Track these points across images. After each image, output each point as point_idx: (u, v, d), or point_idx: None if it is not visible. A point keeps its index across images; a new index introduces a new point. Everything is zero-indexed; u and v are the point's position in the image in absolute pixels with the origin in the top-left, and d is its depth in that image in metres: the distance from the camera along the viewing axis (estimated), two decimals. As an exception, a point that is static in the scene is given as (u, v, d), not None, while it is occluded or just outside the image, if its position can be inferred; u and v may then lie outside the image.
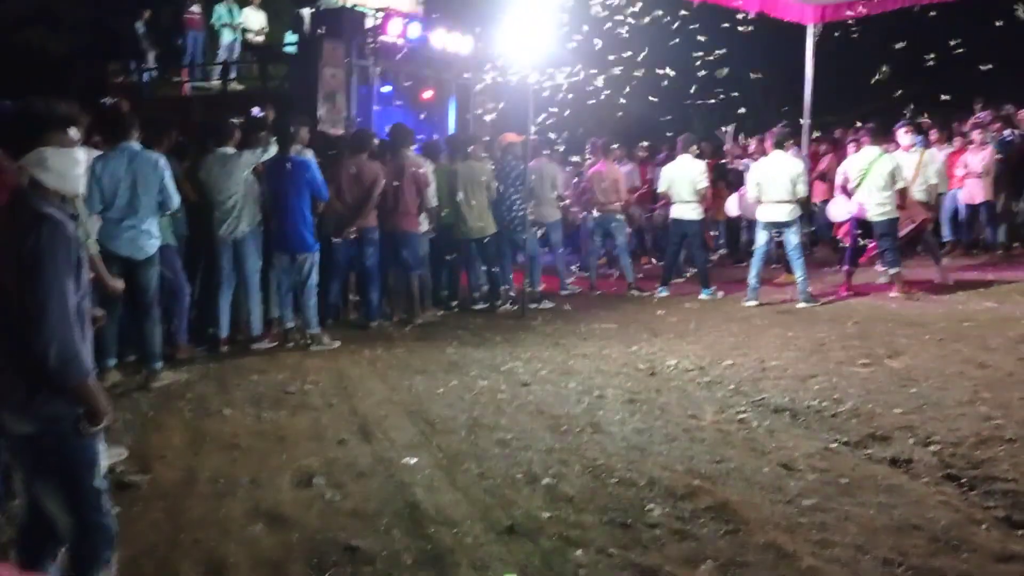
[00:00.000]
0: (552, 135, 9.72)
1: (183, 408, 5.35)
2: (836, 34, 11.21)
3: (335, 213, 7.51)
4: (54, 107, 2.47)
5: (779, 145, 8.52)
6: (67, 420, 2.49)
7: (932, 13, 9.72)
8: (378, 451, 4.46)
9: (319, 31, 11.25)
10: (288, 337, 7.12)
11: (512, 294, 8.85)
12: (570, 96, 9.12)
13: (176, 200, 5.98)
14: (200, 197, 6.80)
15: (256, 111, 8.77)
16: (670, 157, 10.23)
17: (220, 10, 14.33)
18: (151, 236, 5.83)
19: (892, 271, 8.45)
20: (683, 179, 9.12)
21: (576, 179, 11.10)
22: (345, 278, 8.07)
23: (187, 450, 4.59)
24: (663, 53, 9.63)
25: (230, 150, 6.82)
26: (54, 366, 2.38)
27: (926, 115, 11.48)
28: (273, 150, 6.92)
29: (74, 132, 2.52)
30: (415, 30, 11.98)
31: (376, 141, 8.35)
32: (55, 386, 2.44)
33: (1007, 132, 10.62)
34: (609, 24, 8.65)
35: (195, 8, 14.40)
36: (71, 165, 2.51)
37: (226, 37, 14.26)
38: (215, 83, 13.70)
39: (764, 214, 8.53)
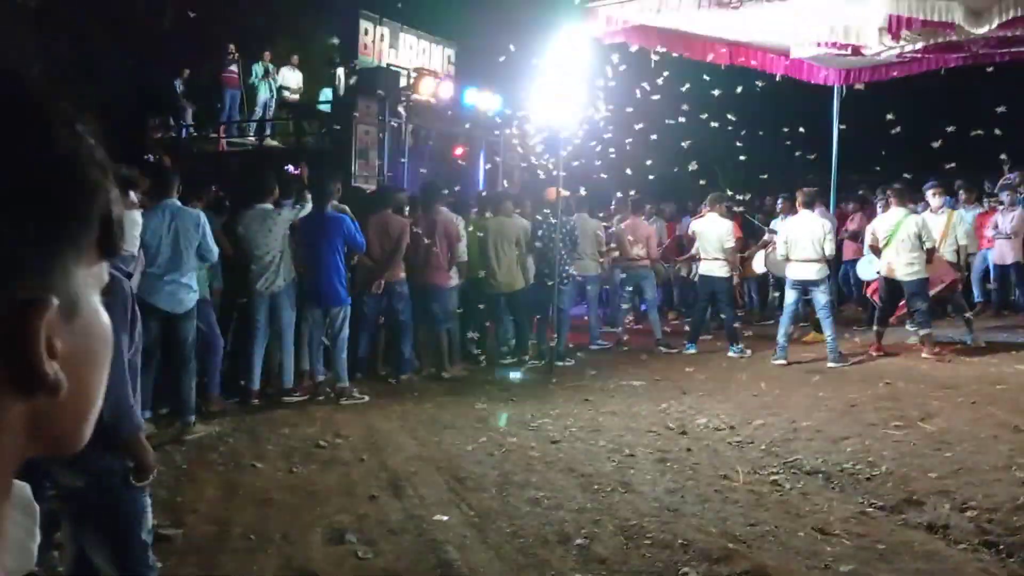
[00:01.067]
0: (583, 191, 9.84)
1: (216, 461, 5.40)
2: (862, 92, 11.33)
3: (364, 267, 7.63)
4: (117, 170, 2.57)
5: (808, 204, 8.57)
6: (117, 474, 2.54)
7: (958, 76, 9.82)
8: (409, 508, 4.47)
9: (354, 90, 11.52)
10: (319, 390, 7.17)
11: (543, 347, 8.87)
12: (598, 152, 9.28)
13: (215, 254, 6.12)
14: (236, 251, 6.94)
15: (291, 168, 8.97)
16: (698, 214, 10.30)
17: (256, 68, 14.76)
18: (191, 290, 5.94)
19: (923, 332, 8.38)
20: (711, 236, 9.18)
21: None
22: (375, 332, 8.14)
23: (220, 504, 4.62)
24: (691, 111, 9.80)
25: (269, 206, 6.97)
26: (108, 420, 2.44)
27: (956, 177, 11.51)
28: (309, 206, 7.06)
29: (134, 195, 2.62)
30: (447, 89, 12.27)
31: (407, 197, 8.51)
32: (108, 440, 2.49)
33: (1036, 193, 10.61)
34: (639, 84, 8.82)
35: (233, 68, 14.83)
36: (130, 226, 2.60)
37: (262, 94, 14.66)
38: (251, 139, 14.03)
39: (792, 272, 8.55)
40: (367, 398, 7.04)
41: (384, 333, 8.19)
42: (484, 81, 13.08)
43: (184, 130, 14.29)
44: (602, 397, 7.13)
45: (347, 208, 7.53)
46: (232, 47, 14.65)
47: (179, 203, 6.00)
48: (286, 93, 14.90)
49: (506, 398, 7.14)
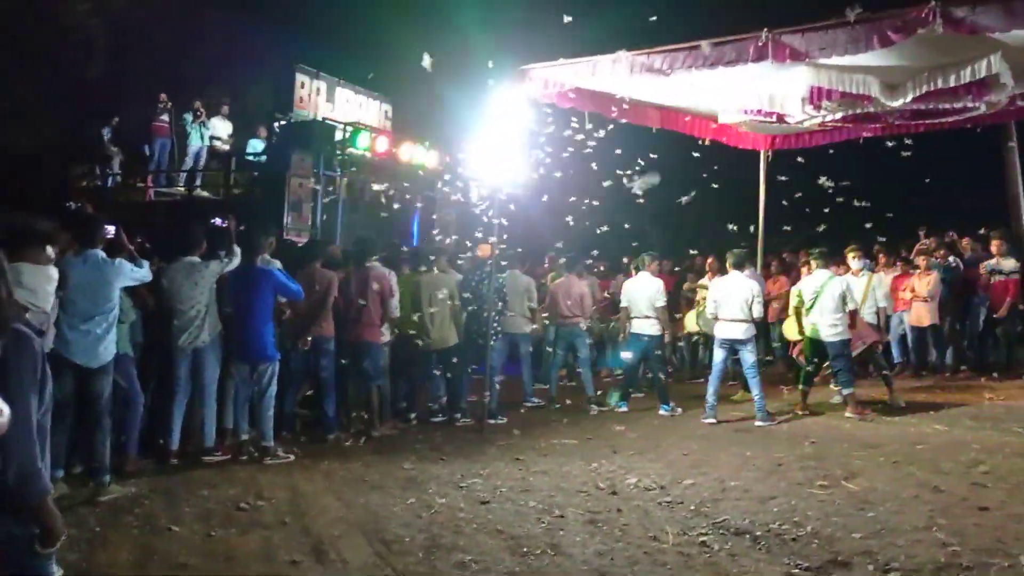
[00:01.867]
0: (520, 250, 9.93)
1: (130, 524, 5.18)
2: (786, 158, 11.76)
3: (290, 322, 7.51)
4: (34, 225, 2.50)
5: (738, 266, 8.79)
6: (22, 541, 2.41)
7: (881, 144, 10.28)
8: (331, 573, 4.35)
9: (288, 142, 11.51)
10: (241, 449, 6.96)
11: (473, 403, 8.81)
12: (530, 210, 9.40)
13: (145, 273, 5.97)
14: (158, 305, 6.76)
15: (219, 221, 8.86)
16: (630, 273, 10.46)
17: (188, 117, 14.61)
18: (109, 344, 5.76)
19: (846, 391, 8.61)
20: (642, 295, 9.31)
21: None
22: (300, 389, 7.99)
23: (133, 570, 4.43)
24: (624, 171, 10.02)
25: (196, 259, 6.83)
26: (14, 483, 2.33)
27: (878, 241, 11.97)
28: (237, 259, 6.94)
29: (51, 250, 2.55)
30: (383, 143, 12.33)
31: (338, 250, 8.46)
32: (12, 504, 2.37)
33: (951, 259, 11.06)
34: (571, 147, 8.99)
35: (164, 116, 14.62)
36: (44, 281, 2.52)
37: (194, 143, 14.48)
38: (179, 189, 13.82)
39: (721, 332, 8.72)
40: (292, 457, 6.88)
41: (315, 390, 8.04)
42: (421, 136, 13.21)
43: (110, 179, 14.01)
44: (533, 456, 7.09)
45: (278, 262, 7.44)
46: (164, 96, 14.47)
47: (102, 254, 5.85)
48: (216, 143, 14.75)
49: (436, 457, 7.05)
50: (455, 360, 8.76)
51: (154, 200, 13.53)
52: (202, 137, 14.54)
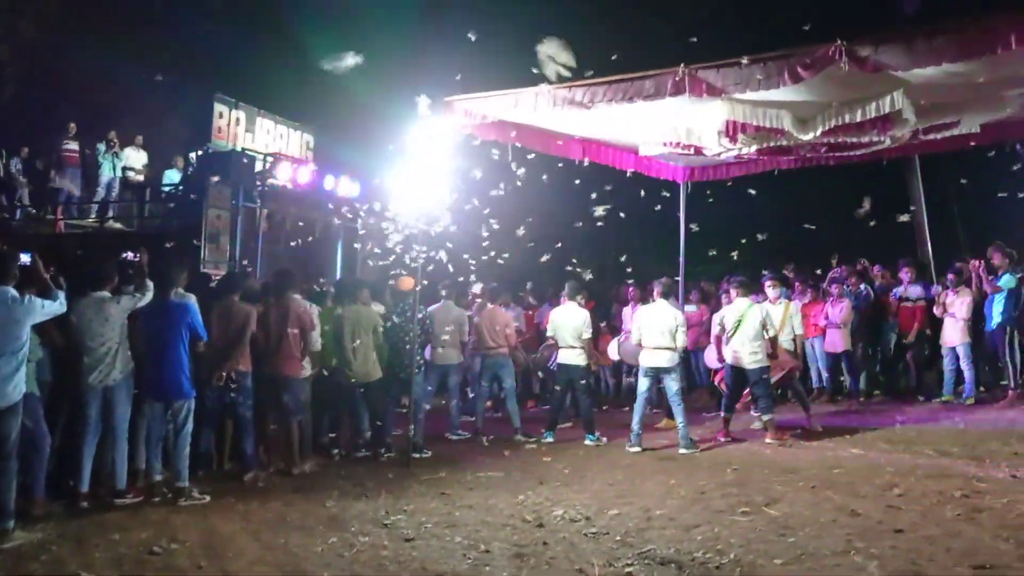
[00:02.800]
0: (457, 280, 9.89)
1: (36, 571, 4.93)
2: (706, 189, 12.06)
3: (206, 357, 7.29)
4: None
5: (665, 295, 8.92)
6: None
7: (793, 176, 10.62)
8: (250, 618, 4.18)
9: (205, 173, 11.27)
10: (154, 491, 6.70)
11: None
12: (455, 241, 9.37)
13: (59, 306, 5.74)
14: (67, 341, 6.48)
15: (131, 254, 8.59)
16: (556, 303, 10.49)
17: (101, 147, 14.19)
18: (17, 383, 5.50)
19: (766, 417, 8.78)
20: (568, 325, 9.35)
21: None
22: (217, 426, 7.73)
23: (34, 623, 4.18)
24: (547, 203, 10.11)
25: (107, 294, 6.59)
26: None
27: (791, 268, 12.32)
28: (150, 294, 6.72)
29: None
30: (304, 174, 12.19)
31: (259, 283, 8.27)
32: None
33: (862, 287, 11.45)
34: (496, 178, 9.03)
35: (73, 146, 14.14)
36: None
37: (106, 174, 14.05)
38: (91, 221, 13.37)
39: (645, 360, 8.81)
40: (208, 498, 6.64)
41: (232, 427, 7.79)
42: (344, 167, 13.10)
43: (19, 210, 13.48)
44: (459, 490, 7.01)
45: (193, 296, 7.23)
46: (73, 125, 14.00)
47: (12, 291, 5.60)
48: (130, 174, 14.36)
49: (359, 494, 6.89)
50: (379, 394, 8.62)
51: (64, 232, 13.05)
52: (114, 168, 14.13)
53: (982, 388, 10.32)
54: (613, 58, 8.18)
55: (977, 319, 10.32)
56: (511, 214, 9.66)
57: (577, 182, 10.49)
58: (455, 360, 9.72)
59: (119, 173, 14.29)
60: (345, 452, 8.62)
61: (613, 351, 11.18)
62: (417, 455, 8.38)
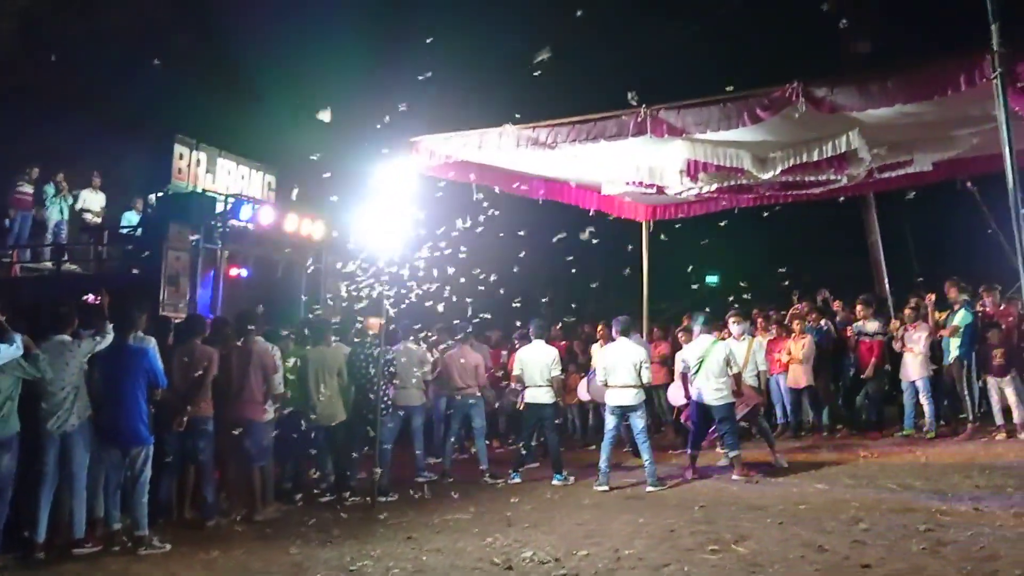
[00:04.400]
0: (409, 323, 9.84)
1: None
2: (669, 227, 12.22)
3: (166, 402, 7.15)
4: None
5: (624, 333, 8.95)
6: None
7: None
8: (213, 671, 4.07)
9: (165, 214, 11.17)
10: (114, 540, 6.52)
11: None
12: (422, 281, 9.36)
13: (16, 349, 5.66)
14: (24, 386, 6.32)
15: (91, 297, 8.45)
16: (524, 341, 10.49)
17: (48, 188, 13.94)
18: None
19: (732, 454, 8.82)
20: (536, 364, 9.34)
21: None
22: (177, 472, 7.56)
23: None
24: (514, 239, 10.15)
25: (67, 338, 6.47)
26: None
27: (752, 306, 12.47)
28: (110, 337, 6.61)
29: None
30: (266, 215, 12.12)
31: (222, 326, 8.16)
32: None
33: (823, 322, 11.61)
34: (462, 219, 9.07)
35: (25, 188, 13.87)
36: None
37: (53, 217, 13.82)
38: (47, 264, 13.13)
39: (611, 399, 8.82)
40: (168, 547, 6.48)
41: (193, 473, 7.63)
42: (307, 208, 13.05)
43: (-29, 255, 13.19)
44: (426, 533, 6.92)
45: (153, 339, 7.13)
46: (35, 169, 13.76)
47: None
48: (88, 216, 14.14)
49: (323, 540, 6.77)
50: (344, 436, 8.52)
51: (20, 275, 12.79)
52: (62, 211, 13.91)
53: (942, 422, 10.47)
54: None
55: (936, 352, 10.51)
56: (478, 254, 9.70)
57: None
58: (417, 402, 9.65)
59: (66, 216, 14.04)
60: (308, 497, 8.47)
61: (583, 390, 11.19)
62: (383, 498, 8.28)
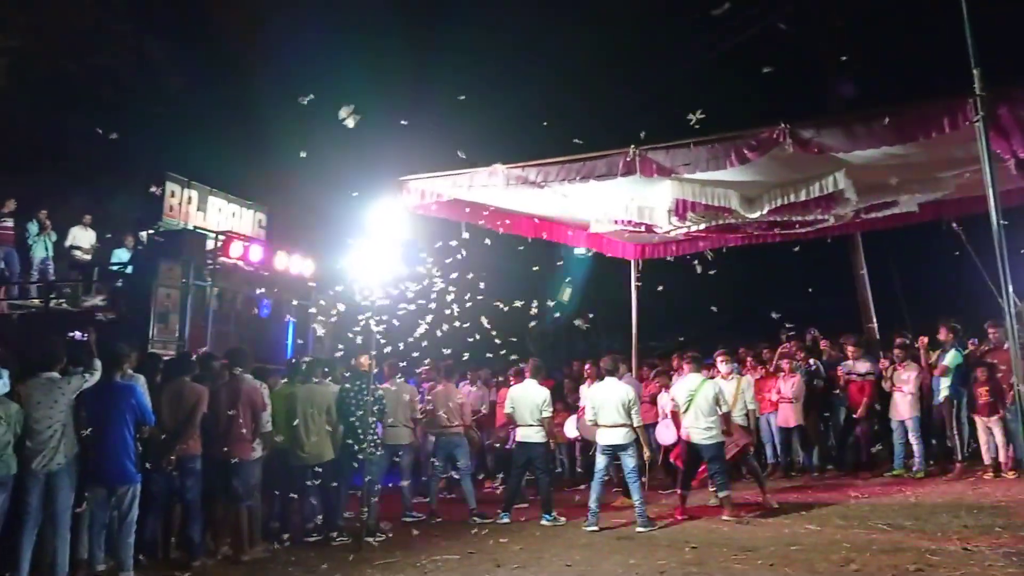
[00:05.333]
0: (397, 360, 9.81)
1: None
2: (657, 265, 12.28)
3: (154, 440, 7.09)
4: None
5: (612, 371, 8.95)
6: None
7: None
8: None
9: (155, 252, 11.20)
10: (97, 581, 6.43)
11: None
12: (413, 318, 9.36)
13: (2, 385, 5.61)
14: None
15: (78, 334, 8.42)
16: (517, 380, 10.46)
17: (31, 226, 13.91)
18: None
19: (722, 494, 8.78)
20: (527, 403, 9.31)
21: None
22: (164, 511, 7.47)
23: None
24: (502, 279, 10.18)
25: (56, 375, 6.43)
26: None
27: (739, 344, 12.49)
28: (99, 374, 6.57)
29: None
30: (256, 253, 12.14)
31: (210, 363, 8.14)
32: None
33: (811, 362, 11.64)
34: (450, 256, 9.10)
35: (7, 222, 13.81)
36: None
37: (38, 255, 13.78)
38: (34, 301, 13.07)
39: (601, 438, 8.79)
40: (153, 588, 6.39)
41: (180, 512, 7.53)
42: (297, 246, 13.10)
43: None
44: (414, 575, 6.84)
45: (142, 376, 7.09)
46: (11, 202, 13.71)
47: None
48: (77, 253, 14.12)
49: (311, 580, 6.70)
50: (331, 475, 8.45)
51: (7, 312, 12.72)
52: (46, 247, 13.87)
53: (931, 461, 10.48)
54: (576, 141, 8.39)
55: (924, 392, 10.55)
56: (465, 291, 9.71)
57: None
58: (406, 440, 9.60)
59: (50, 253, 14.00)
60: (295, 537, 8.38)
61: (571, 429, 11.15)
62: (370, 538, 8.19)
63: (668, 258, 12.20)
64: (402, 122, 8.80)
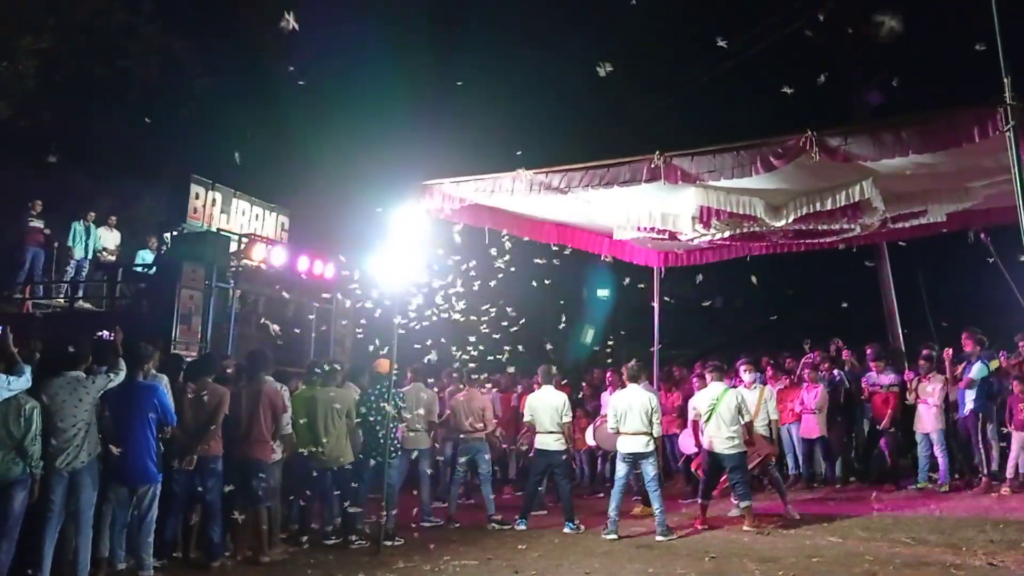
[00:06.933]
0: (419, 365, 9.84)
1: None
2: (679, 274, 12.22)
3: (175, 440, 7.15)
4: None
5: (634, 378, 8.92)
6: None
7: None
8: None
9: (180, 253, 11.32)
10: (118, 579, 6.49)
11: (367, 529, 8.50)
12: (431, 322, 9.38)
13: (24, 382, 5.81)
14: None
15: (105, 333, 8.50)
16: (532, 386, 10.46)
17: (78, 227, 14.12)
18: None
19: (743, 504, 8.72)
20: (546, 410, 9.28)
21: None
22: (184, 512, 7.51)
23: None
24: (522, 285, 10.19)
25: (81, 374, 6.50)
26: None
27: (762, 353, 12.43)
28: (123, 374, 6.64)
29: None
30: (279, 255, 12.24)
31: (231, 363, 8.21)
32: None
33: (835, 372, 11.55)
34: (473, 257, 9.12)
35: (37, 223, 14.01)
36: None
37: (78, 253, 13.97)
38: (60, 301, 13.24)
39: (623, 446, 8.76)
40: (173, 587, 6.43)
41: (200, 512, 7.58)
42: (319, 248, 13.18)
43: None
44: (432, 579, 6.85)
45: (165, 377, 7.15)
46: (38, 202, 13.90)
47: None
48: (103, 254, 14.29)
49: (330, 584, 6.72)
50: (351, 478, 8.48)
51: (32, 312, 12.89)
52: (86, 249, 14.06)
53: (956, 475, 10.36)
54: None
55: (950, 405, 10.43)
56: (485, 295, 9.73)
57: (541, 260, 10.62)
58: (425, 444, 9.63)
59: (89, 254, 14.20)
60: (314, 539, 8.41)
61: (589, 437, 11.12)
62: (389, 543, 8.21)
63: (692, 265, 12.13)
64: (457, 83, 8.70)
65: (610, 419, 8.96)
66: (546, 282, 10.59)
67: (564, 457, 9.40)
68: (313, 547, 8.25)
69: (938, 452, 10.29)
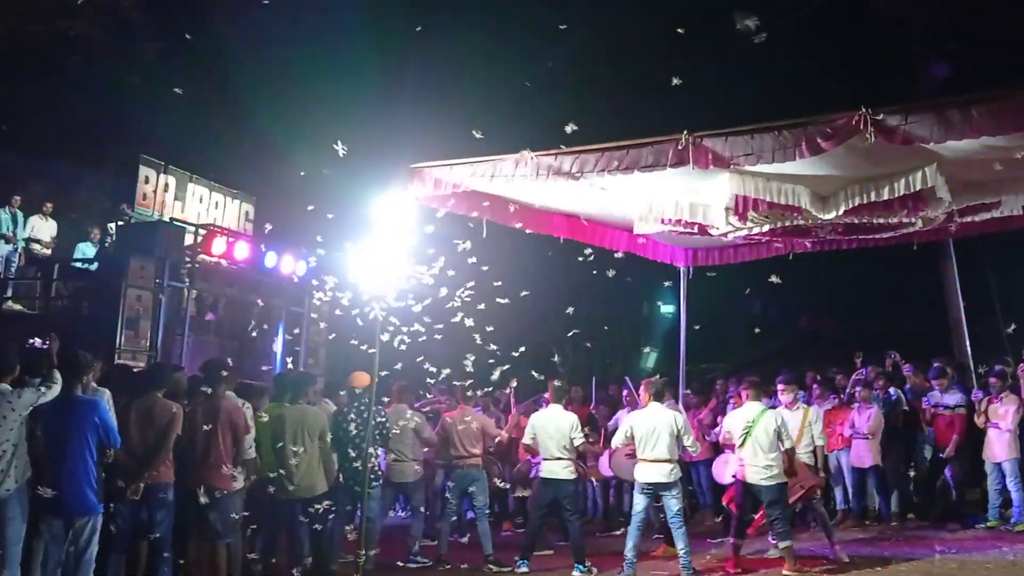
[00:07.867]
0: (400, 381, 9.80)
1: None
2: (711, 275, 12.19)
3: (119, 464, 7.11)
4: None
5: (657, 396, 8.87)
6: None
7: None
8: None
9: (126, 247, 11.30)
10: (51, 628, 6.47)
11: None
12: (419, 330, 9.34)
13: None
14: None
15: (37, 340, 8.48)
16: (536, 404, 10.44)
17: (3, 215, 14.09)
18: None
19: (783, 545, 8.68)
20: (552, 431, 9.18)
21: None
22: (128, 549, 7.48)
23: None
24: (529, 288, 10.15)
25: (7, 387, 6.47)
26: None
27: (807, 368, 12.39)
28: (58, 388, 6.61)
29: None
30: (242, 250, 12.21)
31: (184, 377, 8.18)
32: None
33: (891, 391, 11.49)
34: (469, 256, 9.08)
35: None
36: None
37: (1, 248, 13.94)
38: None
39: (642, 475, 8.71)
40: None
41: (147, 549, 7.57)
42: (289, 242, 13.14)
43: None
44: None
45: (107, 391, 7.13)
46: None
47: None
48: (36, 247, 14.26)
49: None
50: (325, 510, 8.45)
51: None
52: (10, 241, 14.04)
53: (1032, 512, 10.33)
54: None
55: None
56: (482, 301, 9.70)
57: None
58: (411, 477, 9.61)
59: (19, 247, 14.17)
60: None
61: (604, 465, 11.09)
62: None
63: (724, 265, 12.10)
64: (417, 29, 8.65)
65: (619, 437, 8.92)
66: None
67: (573, 488, 9.36)
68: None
69: (1011, 485, 10.26)
